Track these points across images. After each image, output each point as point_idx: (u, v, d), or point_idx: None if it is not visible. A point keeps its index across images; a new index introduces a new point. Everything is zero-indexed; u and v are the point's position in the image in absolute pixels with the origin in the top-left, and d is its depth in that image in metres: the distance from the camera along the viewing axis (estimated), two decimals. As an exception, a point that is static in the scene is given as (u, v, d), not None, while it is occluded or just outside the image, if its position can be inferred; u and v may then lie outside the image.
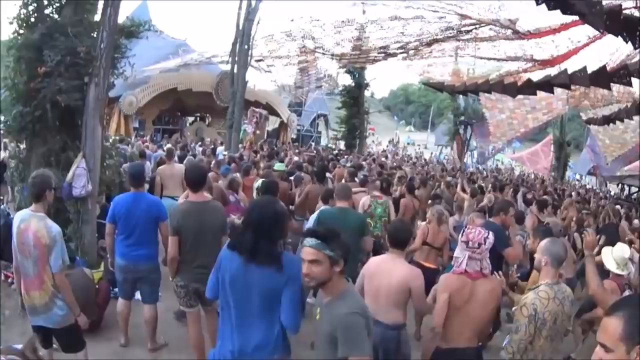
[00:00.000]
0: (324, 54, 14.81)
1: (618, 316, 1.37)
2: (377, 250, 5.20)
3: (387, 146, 42.26)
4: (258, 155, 12.52)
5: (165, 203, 4.79)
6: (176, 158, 8.53)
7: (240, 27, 15.22)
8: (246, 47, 15.07)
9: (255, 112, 18.82)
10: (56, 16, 5.52)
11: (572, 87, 7.17)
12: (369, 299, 3.18)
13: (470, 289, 2.90)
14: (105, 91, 5.46)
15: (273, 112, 25.29)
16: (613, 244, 4.43)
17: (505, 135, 18.63)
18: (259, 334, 2.35)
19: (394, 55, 11.42)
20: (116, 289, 4.60)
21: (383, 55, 11.81)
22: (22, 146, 5.76)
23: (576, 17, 5.25)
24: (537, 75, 7.99)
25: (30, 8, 5.40)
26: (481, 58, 10.93)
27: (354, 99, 25.16)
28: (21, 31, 5.45)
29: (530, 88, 7.60)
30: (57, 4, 5.54)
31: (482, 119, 21.57)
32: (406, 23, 9.60)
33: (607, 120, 11.77)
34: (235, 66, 15.60)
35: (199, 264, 3.59)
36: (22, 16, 5.40)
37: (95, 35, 5.45)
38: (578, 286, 6.11)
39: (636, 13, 4.98)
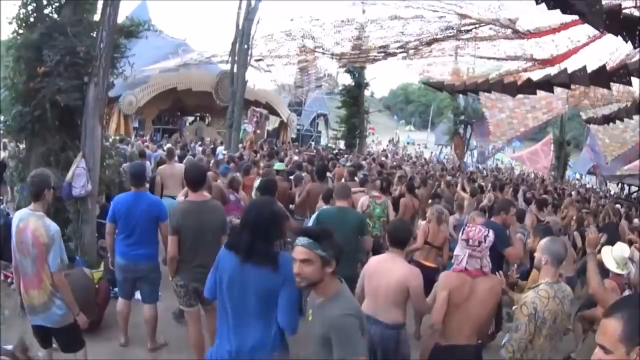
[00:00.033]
0: (323, 53, 14.81)
1: (617, 317, 1.35)
2: (377, 250, 5.20)
3: (387, 145, 42.26)
4: (258, 155, 12.51)
5: (166, 203, 4.78)
6: (176, 158, 8.53)
7: (240, 27, 15.23)
8: (246, 46, 15.08)
9: (255, 111, 18.77)
10: (55, 16, 5.52)
11: (572, 86, 7.16)
12: (368, 298, 3.18)
13: (470, 286, 2.90)
14: (105, 91, 5.47)
15: (273, 111, 25.25)
16: (613, 244, 4.42)
17: (505, 134, 18.64)
18: (256, 334, 2.35)
19: (394, 54, 11.42)
20: (116, 289, 4.59)
21: (383, 54, 11.80)
22: (22, 146, 5.76)
23: (576, 17, 5.25)
24: (537, 75, 7.99)
25: (30, 8, 5.40)
26: (481, 57, 10.92)
27: (353, 98, 25.11)
28: (20, 31, 5.45)
29: (530, 87, 7.59)
30: (57, 4, 5.54)
31: (482, 119, 21.61)
32: (406, 22, 9.61)
33: (606, 119, 11.78)
34: (235, 66, 15.62)
35: (198, 263, 3.59)
36: (22, 16, 5.40)
37: (94, 35, 5.45)
38: (578, 285, 6.11)
39: (636, 12, 4.98)
